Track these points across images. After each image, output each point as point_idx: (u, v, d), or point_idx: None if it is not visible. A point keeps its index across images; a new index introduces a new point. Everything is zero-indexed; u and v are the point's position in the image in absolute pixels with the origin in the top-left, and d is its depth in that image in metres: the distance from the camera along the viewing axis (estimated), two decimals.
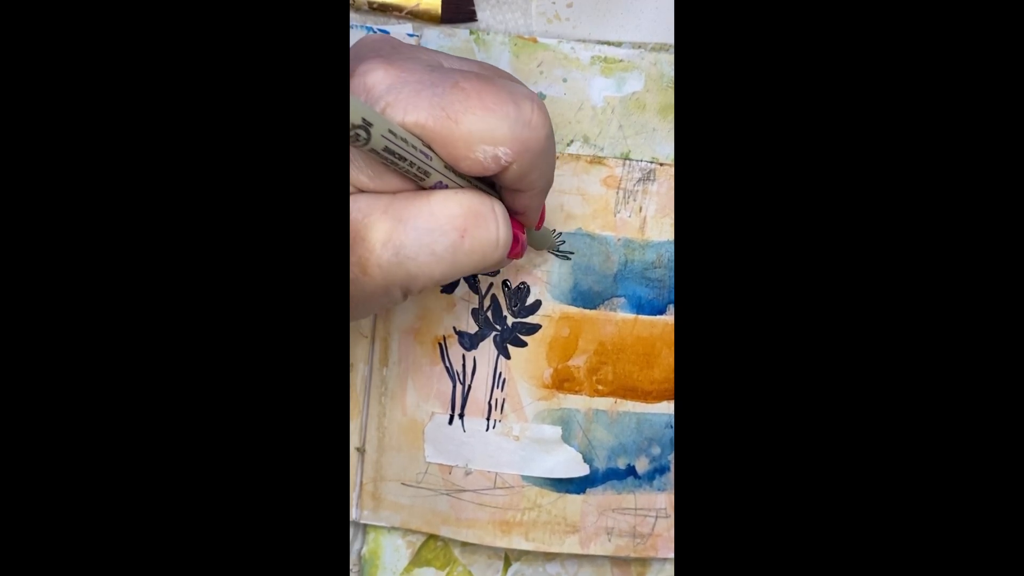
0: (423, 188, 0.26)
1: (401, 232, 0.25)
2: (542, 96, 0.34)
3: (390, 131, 0.23)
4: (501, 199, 0.28)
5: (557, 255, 0.34)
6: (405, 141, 0.24)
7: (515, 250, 0.29)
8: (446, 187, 0.26)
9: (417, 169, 0.25)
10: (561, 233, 0.34)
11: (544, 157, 0.26)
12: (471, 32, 0.34)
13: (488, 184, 0.28)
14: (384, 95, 0.24)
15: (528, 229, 0.31)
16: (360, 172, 0.25)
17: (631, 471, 0.34)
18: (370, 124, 0.23)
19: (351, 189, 0.25)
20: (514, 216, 0.29)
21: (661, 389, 0.34)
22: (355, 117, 0.22)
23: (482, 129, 0.24)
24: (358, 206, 0.25)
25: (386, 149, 0.24)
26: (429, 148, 0.25)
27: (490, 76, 0.26)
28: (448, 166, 0.25)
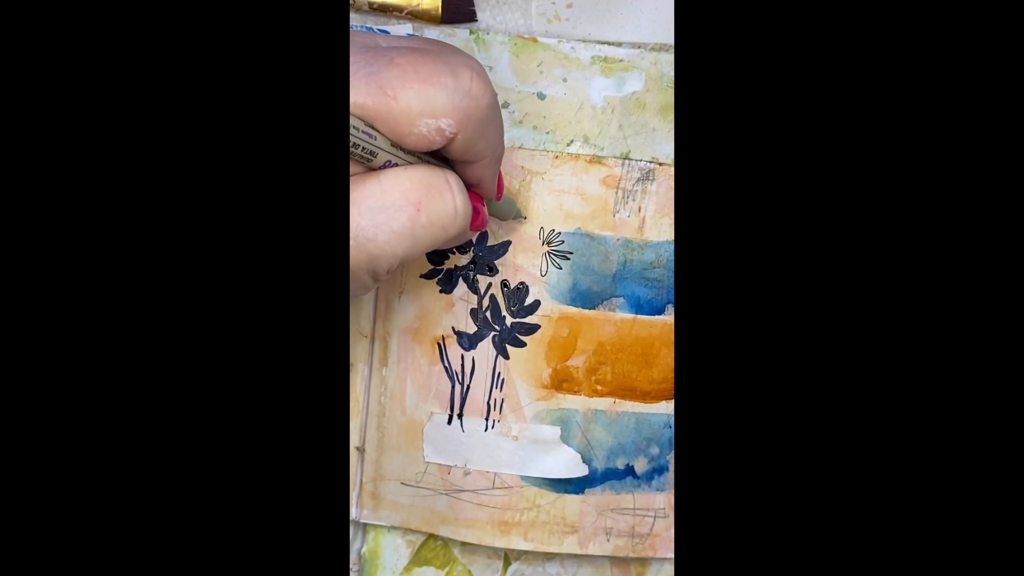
0: (373, 170, 0.26)
1: (356, 215, 0.25)
2: (542, 96, 0.34)
3: None
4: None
5: (555, 255, 0.34)
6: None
7: (476, 222, 0.29)
8: (396, 166, 0.26)
9: (363, 151, 0.25)
10: (560, 233, 0.34)
11: (489, 125, 0.26)
12: (471, 32, 0.34)
13: (439, 159, 0.28)
14: None
15: (488, 200, 0.31)
16: None
17: (630, 471, 0.34)
18: None
19: None
20: (471, 189, 0.29)
21: (660, 389, 0.34)
22: None
23: (421, 102, 0.24)
24: None
25: None
26: (372, 128, 0.25)
27: (427, 48, 0.25)
28: (394, 144, 0.25)
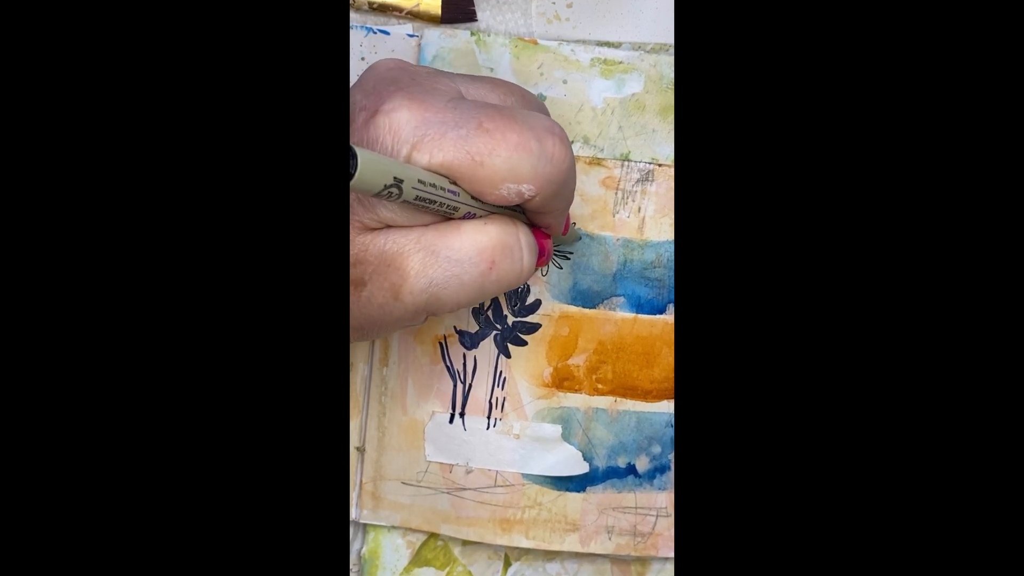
0: (452, 219, 0.26)
1: (433, 263, 0.26)
2: (542, 97, 0.34)
3: (420, 181, 0.24)
4: (524, 214, 0.28)
5: (556, 255, 0.34)
6: (434, 186, 0.24)
7: (540, 261, 0.30)
8: (474, 216, 0.26)
9: (447, 208, 0.25)
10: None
11: (566, 186, 0.27)
12: (471, 33, 0.34)
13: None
14: (410, 137, 0.25)
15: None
16: (391, 212, 0.26)
17: (631, 470, 0.34)
18: (401, 180, 0.23)
19: (381, 225, 0.26)
20: (538, 228, 0.29)
21: (661, 388, 0.34)
22: (386, 177, 0.23)
23: (507, 169, 0.25)
24: (392, 239, 0.26)
25: (417, 198, 0.24)
26: (456, 185, 0.25)
27: (512, 111, 0.26)
28: (474, 197, 0.26)
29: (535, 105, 0.29)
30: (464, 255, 0.26)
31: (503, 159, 0.25)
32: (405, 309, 0.26)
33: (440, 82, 0.27)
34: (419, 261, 0.26)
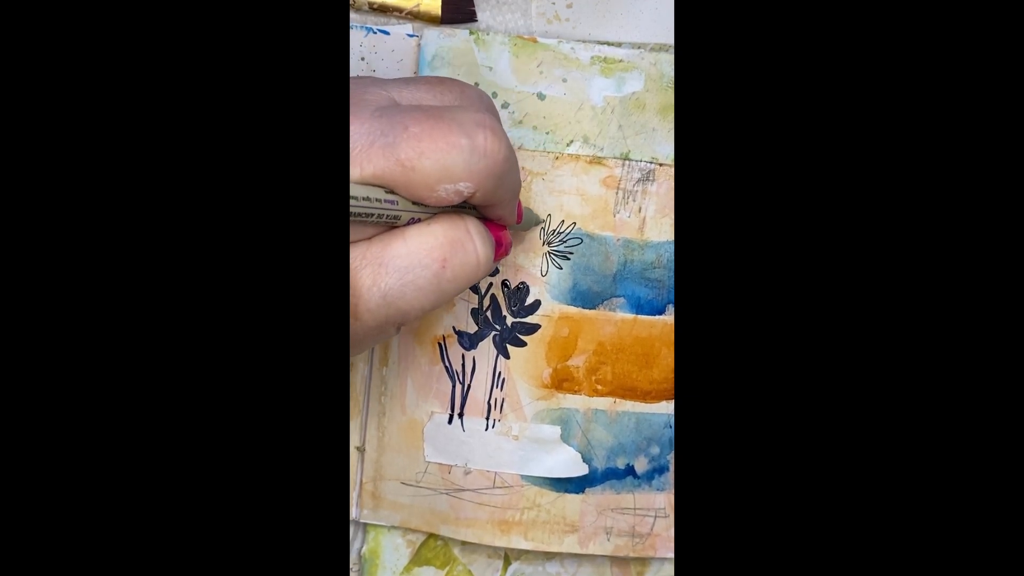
0: (397, 227, 0.26)
1: (384, 275, 0.25)
2: (541, 97, 0.34)
3: (353, 197, 0.24)
4: (473, 208, 0.28)
5: (556, 255, 0.34)
6: (369, 199, 0.24)
7: (499, 253, 0.29)
8: (419, 221, 0.26)
9: (388, 218, 0.25)
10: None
11: (506, 176, 0.27)
12: (471, 32, 0.34)
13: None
14: None
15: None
16: None
17: (630, 471, 0.34)
18: None
19: None
20: (492, 222, 0.29)
21: (660, 389, 0.34)
22: None
23: (439, 170, 0.25)
24: None
25: (356, 215, 0.24)
26: (393, 193, 0.25)
27: (440, 110, 0.26)
28: (415, 202, 0.26)
29: (477, 100, 0.29)
30: (413, 260, 0.26)
31: (433, 161, 0.25)
32: (367, 327, 0.26)
33: (369, 92, 0.26)
34: (369, 276, 0.25)
